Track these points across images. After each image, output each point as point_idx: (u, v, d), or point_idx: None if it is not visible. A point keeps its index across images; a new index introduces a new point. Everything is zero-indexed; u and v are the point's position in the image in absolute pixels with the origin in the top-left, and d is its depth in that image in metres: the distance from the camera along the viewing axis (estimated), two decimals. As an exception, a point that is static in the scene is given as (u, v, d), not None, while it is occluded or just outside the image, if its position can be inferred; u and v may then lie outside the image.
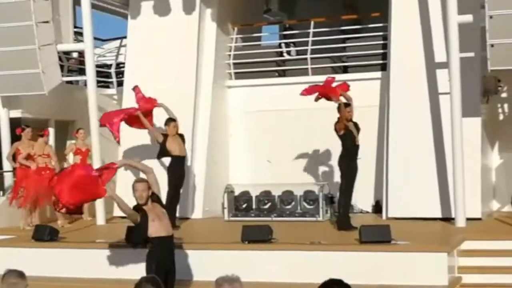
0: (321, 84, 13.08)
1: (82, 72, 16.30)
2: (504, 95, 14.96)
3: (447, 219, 13.11)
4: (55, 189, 9.62)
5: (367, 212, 15.04)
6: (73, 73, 17.81)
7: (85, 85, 15.33)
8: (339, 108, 12.42)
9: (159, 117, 13.96)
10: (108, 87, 17.78)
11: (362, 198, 14.62)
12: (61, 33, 15.36)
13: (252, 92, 16.15)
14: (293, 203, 14.42)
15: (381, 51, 15.36)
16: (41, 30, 14.50)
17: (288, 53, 17.56)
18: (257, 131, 15.96)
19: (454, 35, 12.52)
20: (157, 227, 9.00)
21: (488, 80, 14.01)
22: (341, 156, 12.58)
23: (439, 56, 13.66)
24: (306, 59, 15.96)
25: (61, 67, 15.79)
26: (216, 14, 16.07)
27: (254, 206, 14.61)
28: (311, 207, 14.22)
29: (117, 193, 9.28)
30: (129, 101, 14.69)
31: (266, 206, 14.57)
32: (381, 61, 15.32)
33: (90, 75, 14.76)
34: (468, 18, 12.62)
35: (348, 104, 12.48)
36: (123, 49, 17.78)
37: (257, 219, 13.66)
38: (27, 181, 14.11)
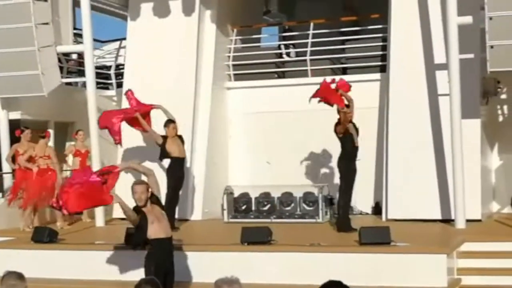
0: (323, 86, 12.89)
1: (81, 73, 16.30)
2: (503, 96, 14.95)
3: (447, 220, 13.10)
4: (61, 197, 9.57)
5: (367, 213, 15.02)
6: (73, 74, 17.80)
7: (85, 86, 15.32)
8: (339, 111, 12.39)
9: (157, 119, 13.95)
10: (107, 88, 17.78)
11: (361, 199, 14.61)
12: (60, 34, 15.37)
13: (252, 94, 16.14)
14: (292, 204, 14.41)
15: (381, 52, 15.35)
16: (40, 32, 14.51)
17: (288, 54, 17.56)
18: (257, 133, 15.95)
19: (454, 36, 12.52)
20: (156, 229, 9.00)
21: (487, 81, 14.01)
22: (341, 157, 12.58)
23: (439, 57, 13.66)
24: (305, 60, 15.96)
25: (61, 68, 15.80)
26: (216, 15, 16.07)
27: (253, 208, 14.61)
28: (311, 208, 14.22)
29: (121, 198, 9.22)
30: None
31: (266, 208, 14.56)
32: (380, 63, 15.32)
33: (90, 77, 14.75)
34: (468, 19, 12.62)
35: (348, 105, 12.46)
36: (122, 50, 17.78)
37: (257, 221, 13.65)
38: (28, 183, 14.10)
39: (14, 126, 14.97)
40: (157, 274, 8.54)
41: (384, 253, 10.25)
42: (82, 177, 9.69)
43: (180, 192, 13.71)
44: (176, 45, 15.62)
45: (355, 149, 12.51)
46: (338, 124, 12.48)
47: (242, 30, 17.11)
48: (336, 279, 4.62)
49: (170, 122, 13.57)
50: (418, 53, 14.00)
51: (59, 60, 15.58)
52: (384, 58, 14.98)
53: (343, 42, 16.58)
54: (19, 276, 5.34)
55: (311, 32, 16.17)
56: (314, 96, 12.64)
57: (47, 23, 14.72)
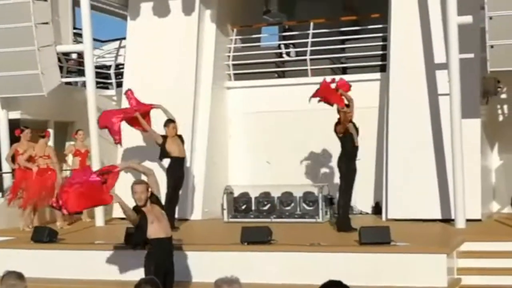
0: (323, 86, 12.87)
1: (81, 73, 16.29)
2: (503, 96, 14.95)
3: (447, 220, 13.10)
4: (61, 197, 9.56)
5: (367, 213, 15.02)
6: (72, 74, 17.79)
7: (84, 86, 15.32)
8: (339, 111, 12.38)
9: (157, 119, 13.95)
10: (107, 88, 17.77)
11: (361, 199, 14.61)
12: (60, 34, 15.36)
13: (252, 93, 16.14)
14: (292, 204, 14.41)
15: (381, 52, 15.35)
16: (40, 31, 14.50)
17: (288, 54, 17.55)
18: (257, 132, 15.94)
19: (454, 36, 12.51)
20: (156, 229, 8.99)
21: (487, 81, 14.01)
22: (340, 157, 12.57)
23: (439, 57, 13.66)
24: (305, 60, 15.95)
25: (61, 68, 15.78)
26: (216, 15, 16.06)
27: (253, 207, 14.61)
28: (311, 208, 14.21)
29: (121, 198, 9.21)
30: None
31: (266, 208, 14.56)
32: (380, 62, 15.31)
33: (89, 76, 14.75)
34: (468, 19, 12.62)
35: (347, 105, 12.45)
36: (122, 50, 17.77)
37: (257, 220, 13.64)
38: (28, 183, 14.10)
39: (14, 126, 14.96)
40: (157, 274, 8.53)
41: (384, 253, 10.25)
42: (82, 176, 9.68)
43: (180, 192, 13.71)
44: (176, 45, 15.62)
45: (355, 148, 12.50)
46: (338, 123, 12.47)
47: (242, 29, 17.11)
48: (336, 279, 4.61)
49: (170, 121, 13.57)
50: (418, 53, 13.99)
51: (59, 60, 15.56)
52: (384, 57, 14.98)
53: (343, 41, 16.57)
54: (19, 276, 5.34)
55: (311, 31, 16.16)
56: (314, 95, 12.62)
57: (46, 23, 14.71)
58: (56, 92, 15.04)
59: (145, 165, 10.65)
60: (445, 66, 13.03)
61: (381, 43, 15.40)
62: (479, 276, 10.51)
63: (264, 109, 15.86)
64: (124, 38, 16.93)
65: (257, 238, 10.91)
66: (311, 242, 10.94)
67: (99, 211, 14.27)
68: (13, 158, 14.48)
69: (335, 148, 12.89)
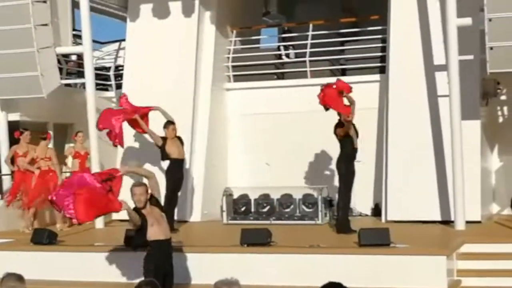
0: (328, 92, 12.68)
1: (80, 74, 16.29)
2: (503, 97, 14.95)
3: (447, 222, 13.09)
4: (69, 208, 9.46)
5: (366, 215, 15.02)
6: (72, 75, 17.80)
7: (84, 88, 15.31)
8: (340, 114, 12.34)
9: (156, 120, 13.93)
10: (107, 89, 17.77)
11: (361, 201, 14.61)
12: (59, 35, 15.33)
13: (251, 95, 16.13)
14: (292, 206, 14.41)
15: (380, 53, 15.35)
16: (39, 33, 14.49)
17: (287, 55, 17.54)
18: (256, 134, 15.94)
19: (453, 37, 12.51)
20: (155, 231, 8.99)
21: (487, 82, 14.01)
22: (340, 159, 12.56)
23: (438, 58, 13.65)
24: (305, 61, 15.96)
25: (60, 70, 15.76)
26: (215, 17, 16.07)
27: (253, 209, 14.60)
28: (310, 210, 14.21)
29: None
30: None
31: (265, 209, 14.55)
32: (380, 64, 15.31)
33: (89, 78, 14.74)
34: (467, 21, 12.62)
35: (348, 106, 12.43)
36: (122, 51, 17.78)
37: (256, 222, 13.65)
38: (28, 185, 14.08)
39: (13, 128, 14.95)
40: (156, 275, 8.51)
41: (383, 255, 10.23)
42: (87, 183, 9.54)
43: (179, 194, 13.70)
44: (176, 46, 15.62)
45: (354, 151, 12.50)
46: (338, 125, 12.46)
47: (241, 31, 17.11)
48: (336, 281, 4.61)
49: (169, 123, 13.56)
50: (418, 55, 13.99)
51: (59, 62, 15.55)
52: (384, 59, 14.98)
53: (342, 43, 16.57)
54: (19, 278, 5.34)
55: (310, 33, 16.17)
56: (322, 103, 12.41)
57: (46, 24, 14.70)
58: (56, 94, 15.02)
59: (145, 168, 10.64)
60: (444, 67, 13.02)
61: (380, 44, 15.41)
62: (479, 278, 10.50)
63: (263, 110, 15.86)
64: (124, 40, 16.93)
65: (256, 240, 10.91)
66: (310, 244, 10.93)
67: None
68: (12, 160, 14.47)
69: (334, 150, 12.89)
